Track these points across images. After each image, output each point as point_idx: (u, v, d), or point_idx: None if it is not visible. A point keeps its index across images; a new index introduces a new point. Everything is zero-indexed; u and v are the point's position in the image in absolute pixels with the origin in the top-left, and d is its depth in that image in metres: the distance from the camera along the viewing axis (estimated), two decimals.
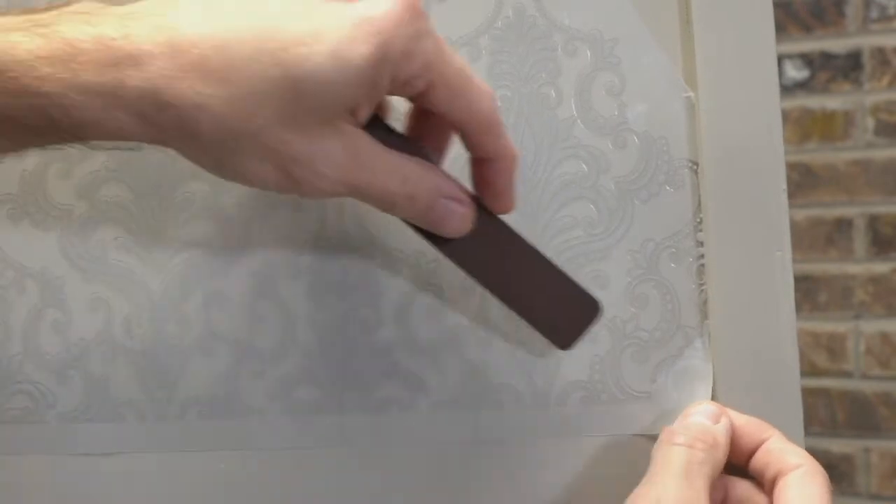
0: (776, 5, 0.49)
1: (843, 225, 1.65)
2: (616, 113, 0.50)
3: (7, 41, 0.37)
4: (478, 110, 0.41)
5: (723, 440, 0.45)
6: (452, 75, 0.40)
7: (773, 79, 0.49)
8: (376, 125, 0.41)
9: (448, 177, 0.43)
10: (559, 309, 0.46)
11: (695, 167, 0.50)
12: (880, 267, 1.64)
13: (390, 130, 0.42)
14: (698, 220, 0.49)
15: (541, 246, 0.49)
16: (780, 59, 1.68)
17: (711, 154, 0.49)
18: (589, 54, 0.50)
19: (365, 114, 0.40)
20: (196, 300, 0.53)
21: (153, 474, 0.53)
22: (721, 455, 0.44)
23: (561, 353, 0.50)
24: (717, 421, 0.45)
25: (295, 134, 0.38)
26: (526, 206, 0.50)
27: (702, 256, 0.49)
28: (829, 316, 1.67)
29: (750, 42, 0.49)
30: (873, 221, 1.64)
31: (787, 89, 1.68)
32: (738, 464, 0.46)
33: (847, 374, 1.67)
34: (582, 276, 0.50)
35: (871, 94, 1.63)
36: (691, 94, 0.50)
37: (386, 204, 0.42)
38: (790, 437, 0.45)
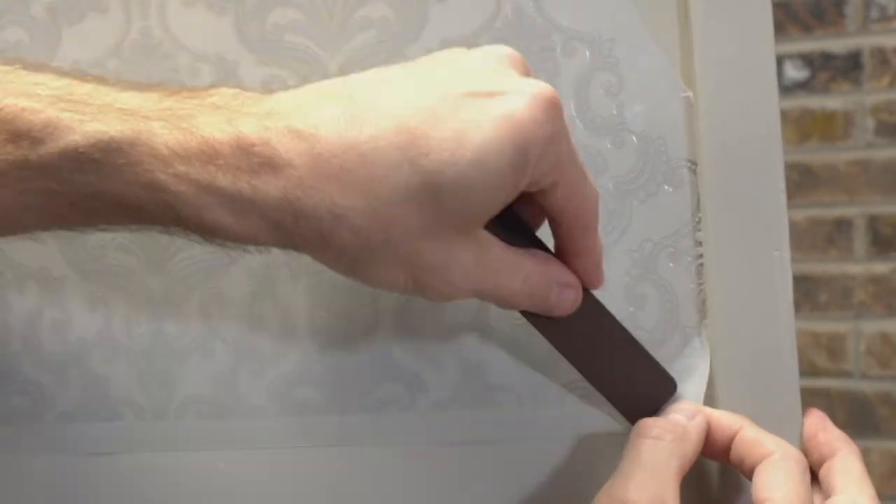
0: (776, 5, 0.49)
1: (843, 225, 1.66)
2: (614, 113, 0.50)
3: (147, 130, 0.36)
4: (585, 213, 0.41)
5: (694, 434, 0.45)
6: (575, 176, 0.40)
7: (772, 78, 0.49)
8: (499, 218, 0.40)
9: (560, 263, 0.43)
10: (638, 386, 0.47)
11: (693, 167, 0.50)
12: (880, 267, 1.65)
13: (508, 223, 0.41)
14: (697, 219, 0.50)
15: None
16: (780, 59, 1.68)
17: (710, 154, 0.49)
18: (587, 54, 0.50)
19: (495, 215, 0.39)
20: (195, 300, 0.53)
21: (152, 474, 0.54)
22: (691, 448, 0.44)
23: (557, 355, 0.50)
24: (691, 417, 0.46)
25: (430, 243, 0.38)
26: None
27: (700, 256, 0.49)
28: (829, 316, 1.68)
29: (749, 41, 0.49)
30: (873, 221, 1.65)
31: (787, 89, 1.68)
32: (718, 457, 0.46)
33: (847, 374, 1.68)
34: None
35: (871, 94, 1.64)
36: (690, 93, 0.50)
37: (506, 303, 0.42)
38: (788, 436, 0.46)
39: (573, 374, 0.50)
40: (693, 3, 0.49)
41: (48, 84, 0.38)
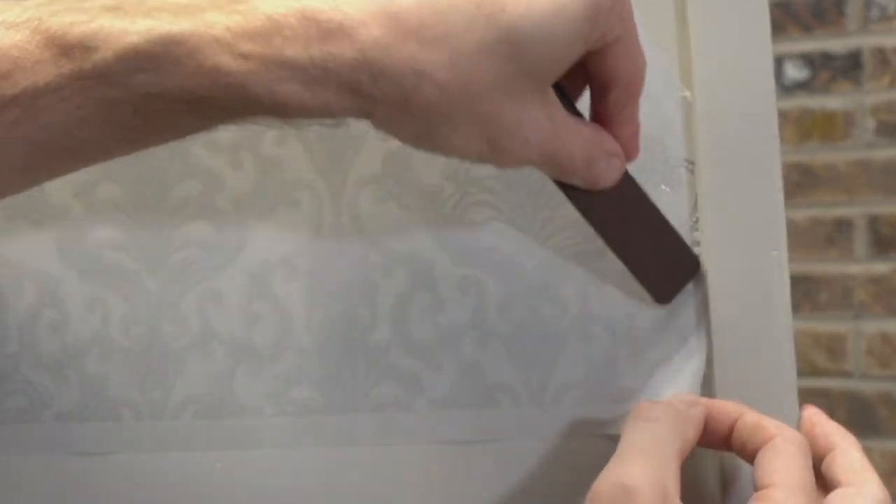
0: (776, 5, 0.50)
1: (843, 225, 1.67)
2: None
3: (203, 21, 0.36)
4: (638, 76, 0.42)
5: (693, 418, 0.45)
6: (635, 34, 0.41)
7: (770, 78, 0.49)
8: (556, 86, 0.41)
9: (607, 132, 0.43)
10: (663, 264, 0.48)
11: (691, 167, 0.50)
12: (880, 267, 1.66)
13: (562, 91, 0.42)
14: (694, 219, 0.50)
15: (537, 244, 0.51)
16: (781, 59, 1.70)
17: (708, 153, 0.50)
18: None
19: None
20: (192, 300, 0.53)
21: (150, 473, 0.54)
22: (691, 431, 0.45)
23: (558, 352, 0.50)
24: (691, 405, 0.46)
25: (508, 99, 0.38)
26: (523, 205, 0.51)
27: (698, 255, 0.49)
28: (829, 316, 1.69)
29: (746, 41, 0.49)
30: (873, 221, 1.65)
31: (787, 89, 1.69)
32: (719, 446, 0.47)
33: (847, 374, 1.68)
34: (579, 275, 0.50)
35: (872, 94, 1.65)
36: (687, 93, 0.50)
37: (564, 169, 0.42)
38: None
39: (570, 374, 0.51)
40: (691, 2, 0.50)
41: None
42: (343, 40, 0.35)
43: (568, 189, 0.44)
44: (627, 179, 0.45)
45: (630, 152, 0.44)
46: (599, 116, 0.43)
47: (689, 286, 0.50)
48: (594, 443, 0.50)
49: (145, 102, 0.36)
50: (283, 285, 0.52)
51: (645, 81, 0.48)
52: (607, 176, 0.43)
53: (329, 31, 0.35)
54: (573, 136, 0.41)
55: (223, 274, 0.53)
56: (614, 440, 0.45)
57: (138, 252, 0.54)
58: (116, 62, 0.35)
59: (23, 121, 0.36)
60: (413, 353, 0.52)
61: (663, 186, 0.50)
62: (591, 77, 0.42)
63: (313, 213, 0.52)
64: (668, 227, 0.48)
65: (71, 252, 0.54)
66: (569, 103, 0.42)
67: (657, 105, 0.50)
